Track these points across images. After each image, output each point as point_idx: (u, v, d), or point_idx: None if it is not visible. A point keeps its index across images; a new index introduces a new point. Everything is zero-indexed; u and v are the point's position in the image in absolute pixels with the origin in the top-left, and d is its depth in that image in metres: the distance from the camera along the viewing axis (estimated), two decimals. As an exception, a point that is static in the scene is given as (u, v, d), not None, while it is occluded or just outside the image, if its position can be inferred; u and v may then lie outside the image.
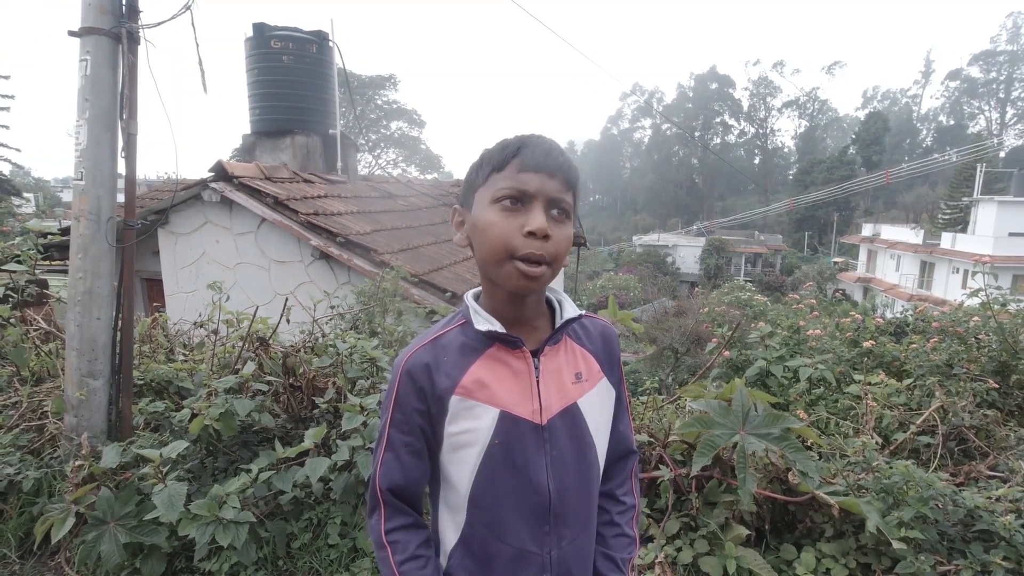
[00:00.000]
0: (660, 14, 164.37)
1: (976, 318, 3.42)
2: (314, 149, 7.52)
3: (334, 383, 2.79)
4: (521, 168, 0.94)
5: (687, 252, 40.91)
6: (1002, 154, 58.32)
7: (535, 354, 1.02)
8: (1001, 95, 67.52)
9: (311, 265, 5.69)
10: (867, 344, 3.57)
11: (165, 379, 2.84)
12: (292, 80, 7.36)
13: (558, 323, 1.05)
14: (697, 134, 72.85)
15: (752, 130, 76.73)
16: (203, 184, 5.81)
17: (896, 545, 1.95)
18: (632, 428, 1.22)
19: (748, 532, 2.31)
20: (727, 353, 3.75)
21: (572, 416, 1.04)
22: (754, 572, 2.19)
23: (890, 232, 34.46)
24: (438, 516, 1.09)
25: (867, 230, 37.39)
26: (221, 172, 5.80)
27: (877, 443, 2.84)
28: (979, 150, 39.69)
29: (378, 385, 2.84)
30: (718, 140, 76.13)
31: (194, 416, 2.45)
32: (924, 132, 72.75)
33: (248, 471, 2.27)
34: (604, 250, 46.55)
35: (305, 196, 6.09)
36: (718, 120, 75.59)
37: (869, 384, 3.12)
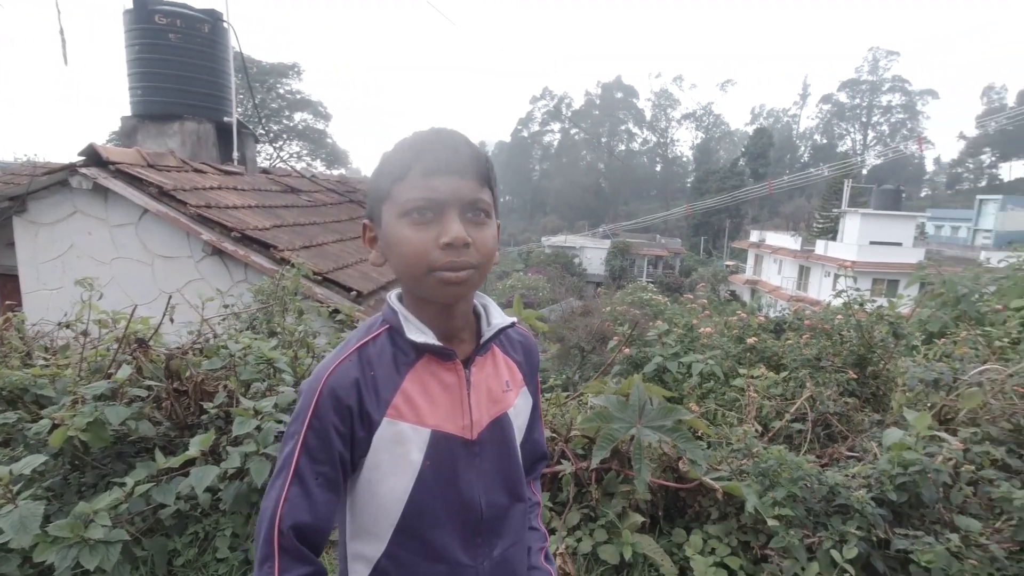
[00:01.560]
0: (571, 22, 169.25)
1: (839, 317, 3.82)
2: (206, 136, 7.00)
3: (225, 387, 2.61)
4: (426, 173, 0.86)
5: (593, 254, 42.39)
6: (864, 171, 65.59)
7: (465, 364, 0.97)
8: (864, 119, 76.05)
9: (202, 261, 5.30)
10: (750, 341, 3.88)
11: (19, 386, 2.52)
12: (181, 61, 6.80)
13: (484, 330, 1.00)
14: (604, 140, 75.87)
15: (654, 139, 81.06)
16: (71, 169, 5.22)
17: (771, 523, 2.14)
18: (544, 433, 1.19)
19: (643, 519, 2.43)
20: (627, 350, 3.92)
21: (501, 427, 1.00)
22: (648, 557, 2.31)
23: (773, 239, 37.65)
24: (345, 553, 0.98)
25: (754, 236, 40.62)
26: (94, 156, 5.24)
27: (757, 431, 3.09)
28: (846, 167, 44.40)
29: (276, 388, 2.69)
30: (623, 147, 79.72)
31: (55, 427, 2.19)
32: (802, 148, 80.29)
33: (122, 485, 2.07)
34: (513, 251, 47.21)
35: (196, 187, 5.66)
36: (623, 128, 79.14)
37: (752, 377, 3.38)
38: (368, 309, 5.05)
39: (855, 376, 3.40)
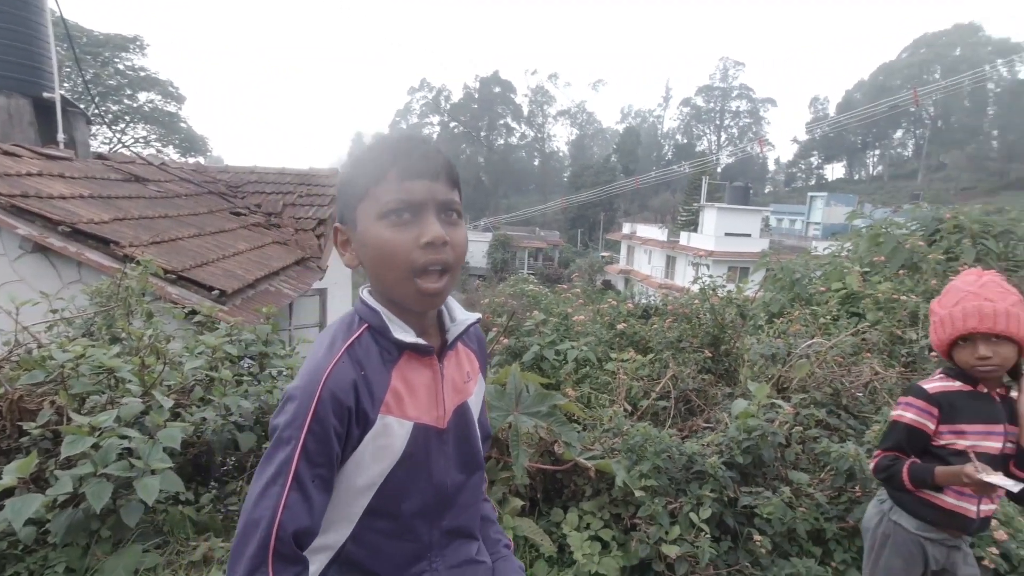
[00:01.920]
0: (448, 13, 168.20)
1: (696, 302, 4.19)
2: (19, 114, 6.01)
3: (52, 403, 2.28)
4: (403, 177, 0.91)
5: (475, 247, 42.73)
6: (719, 169, 72.36)
7: (438, 358, 1.02)
8: (718, 122, 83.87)
9: (20, 260, 4.57)
10: (620, 327, 4.12)
11: None
12: (-17, 24, 5.80)
13: (448, 325, 1.06)
14: (483, 134, 76.54)
15: (532, 134, 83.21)
16: None
17: (638, 494, 2.29)
18: (487, 414, 1.28)
19: (523, 503, 2.50)
20: (506, 340, 3.99)
21: (463, 415, 1.07)
22: (529, 538, 2.38)
23: (643, 231, 40.37)
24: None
25: (626, 229, 43.27)
26: None
27: (627, 410, 3.30)
28: (703, 165, 48.70)
29: (119, 400, 2.39)
30: (502, 141, 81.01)
31: None
32: (666, 147, 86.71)
33: (-87, 527, 1.73)
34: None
35: (7, 173, 4.86)
36: (502, 122, 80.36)
37: (621, 361, 3.59)
38: (233, 309, 4.67)
39: (710, 355, 3.74)
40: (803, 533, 2.50)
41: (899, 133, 77.60)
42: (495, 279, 29.31)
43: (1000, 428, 1.68)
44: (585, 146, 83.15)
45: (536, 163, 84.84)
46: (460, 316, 1.07)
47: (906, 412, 1.76)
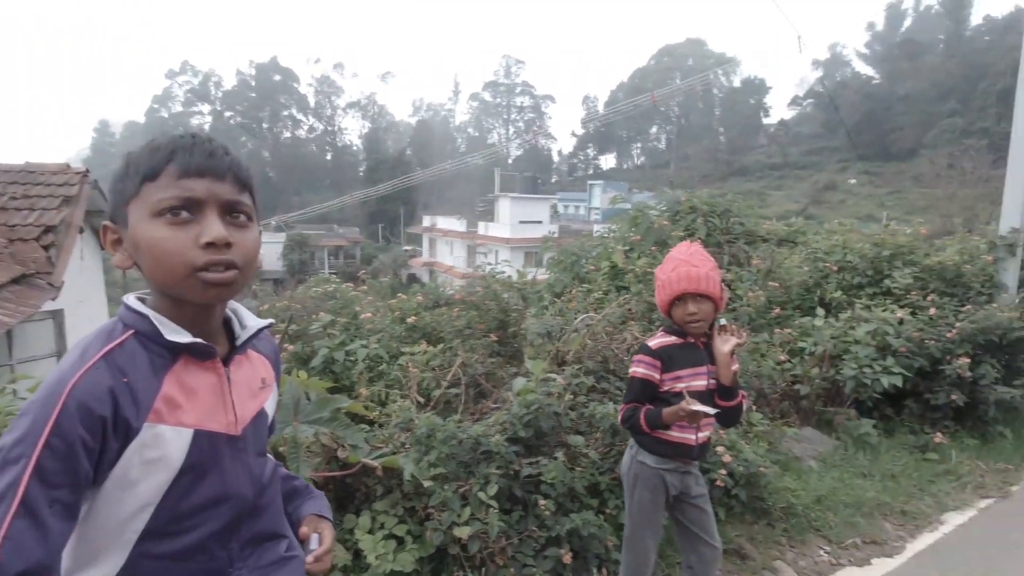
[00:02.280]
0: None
1: (480, 288, 4.38)
2: None
3: None
4: (181, 174, 0.85)
5: (268, 249, 39.34)
6: (510, 161, 76.68)
7: (224, 363, 0.97)
8: (505, 117, 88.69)
9: None
10: (411, 320, 4.13)
11: None
12: None
13: (238, 331, 1.01)
14: (265, 126, 70.31)
15: (321, 127, 78.92)
16: None
17: (427, 484, 2.32)
18: None
19: (311, 518, 2.36)
20: (291, 347, 3.73)
21: (260, 421, 1.04)
22: (320, 554, 2.25)
23: (443, 223, 41.05)
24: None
25: (426, 221, 43.58)
26: None
27: (420, 402, 3.32)
28: (495, 157, 51.14)
29: None
30: (289, 134, 75.45)
31: None
32: (460, 140, 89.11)
33: None
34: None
35: None
36: (286, 113, 74.76)
37: (412, 354, 3.60)
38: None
39: (496, 338, 3.94)
40: (582, 489, 2.78)
41: (654, 129, 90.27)
42: (293, 282, 27.37)
43: (704, 369, 2.09)
44: (379, 139, 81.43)
45: (328, 157, 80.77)
46: (250, 322, 1.03)
47: (638, 368, 2.09)
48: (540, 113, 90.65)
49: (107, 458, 0.83)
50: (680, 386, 2.03)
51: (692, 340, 2.10)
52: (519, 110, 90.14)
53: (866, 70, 77.64)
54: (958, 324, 4.75)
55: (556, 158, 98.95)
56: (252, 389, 1.03)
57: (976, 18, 69.91)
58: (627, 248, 6.24)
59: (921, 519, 3.74)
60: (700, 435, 2.11)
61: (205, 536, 0.92)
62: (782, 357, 4.80)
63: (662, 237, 6.34)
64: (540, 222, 36.10)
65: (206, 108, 73.88)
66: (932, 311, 4.96)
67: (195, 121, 75.32)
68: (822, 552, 3.34)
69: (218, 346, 0.97)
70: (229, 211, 0.89)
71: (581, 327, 3.66)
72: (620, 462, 2.88)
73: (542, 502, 2.55)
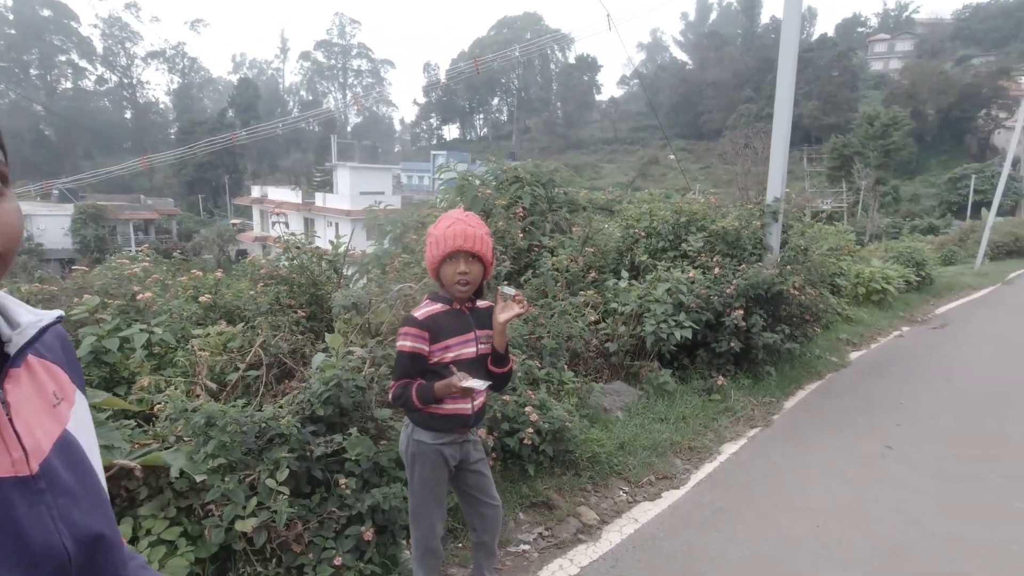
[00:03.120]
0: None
1: (285, 261, 4.06)
2: None
3: None
4: None
5: (51, 223, 33.25)
6: (349, 128, 72.76)
7: None
8: (341, 80, 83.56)
9: None
10: (204, 299, 3.69)
11: None
12: None
13: (7, 335, 0.73)
14: (34, 72, 58.27)
15: (115, 78, 67.61)
16: None
17: (200, 479, 2.08)
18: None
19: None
20: (46, 336, 3.13)
21: (68, 446, 0.76)
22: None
23: (276, 193, 37.90)
24: None
25: (256, 192, 39.91)
26: None
27: (213, 388, 2.99)
28: (331, 122, 48.11)
29: None
30: (69, 84, 63.42)
31: None
32: (291, 103, 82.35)
33: None
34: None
35: None
36: (64, 59, 62.63)
37: (203, 337, 3.22)
38: None
39: (305, 314, 3.68)
40: (388, 462, 2.71)
41: (496, 100, 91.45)
42: (86, 261, 23.50)
43: (472, 336, 2.07)
44: (193, 97, 72.13)
45: (128, 115, 69.69)
46: (27, 319, 0.75)
47: (405, 341, 2.00)
48: (379, 78, 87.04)
49: None
50: (450, 356, 2.00)
51: (458, 307, 2.06)
52: (356, 74, 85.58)
53: (682, 56, 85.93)
54: (735, 281, 5.47)
55: (398, 127, 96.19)
56: (43, 409, 0.76)
57: (765, 17, 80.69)
58: (455, 217, 6.21)
59: (704, 452, 4.28)
60: (476, 403, 2.11)
61: None
62: (593, 318, 5.15)
63: (488, 206, 6.42)
64: (382, 193, 34.90)
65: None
66: (716, 270, 5.65)
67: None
68: (622, 492, 3.67)
69: None
70: None
71: (395, 298, 3.56)
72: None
73: (342, 481, 2.44)
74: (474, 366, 2.02)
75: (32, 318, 0.77)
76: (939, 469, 4.12)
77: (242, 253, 33.70)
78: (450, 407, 2.04)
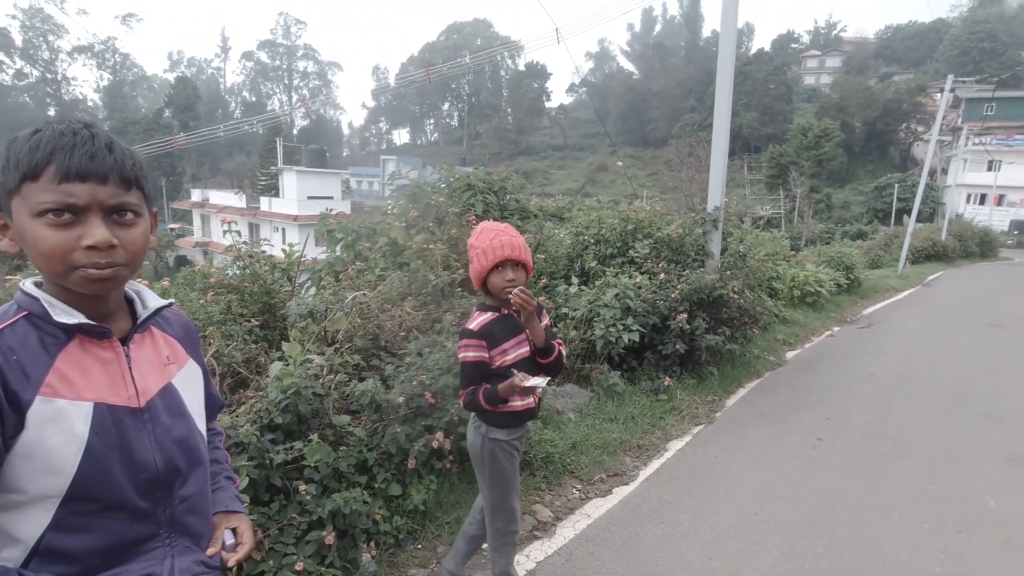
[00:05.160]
0: None
1: (236, 269, 4.01)
2: None
3: None
4: (61, 177, 0.87)
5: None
6: (295, 132, 70.92)
7: (123, 342, 1.02)
8: (286, 82, 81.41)
9: None
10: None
11: None
12: None
13: (140, 313, 1.07)
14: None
15: (37, 73, 63.61)
16: None
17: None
18: (216, 387, 1.37)
19: None
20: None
21: (170, 394, 1.08)
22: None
23: (218, 197, 36.58)
24: None
25: (196, 196, 38.40)
26: None
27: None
28: (276, 125, 46.82)
29: None
30: (-16, 78, 59.31)
31: None
32: (233, 104, 79.60)
33: None
34: None
35: None
36: (-23, 52, 58.65)
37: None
38: None
39: (259, 323, 3.67)
40: (348, 468, 2.76)
41: (447, 106, 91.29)
42: (5, 268, 22.02)
43: (523, 336, 2.22)
44: (126, 96, 68.69)
45: (52, 113, 65.72)
46: (152, 303, 1.09)
47: (467, 352, 2.14)
48: (327, 81, 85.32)
49: (7, 426, 0.88)
50: (509, 359, 2.15)
51: (506, 312, 2.20)
52: (302, 76, 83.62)
53: (628, 66, 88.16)
54: (679, 286, 5.75)
55: (347, 131, 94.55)
56: (156, 365, 1.08)
57: (707, 31, 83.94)
58: (405, 224, 6.26)
59: (652, 449, 4.49)
60: (537, 394, 2.30)
61: (125, 496, 0.96)
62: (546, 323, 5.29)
63: (441, 214, 6.49)
64: (331, 198, 34.21)
65: None
66: (662, 276, 5.91)
67: None
68: (575, 490, 3.82)
69: (118, 323, 1.03)
70: (114, 212, 0.91)
71: (350, 306, 3.59)
72: (385, 434, 2.95)
73: (302, 487, 2.47)
74: (532, 363, 2.20)
75: (156, 302, 1.11)
76: (861, 456, 4.47)
77: (182, 259, 32.38)
78: (520, 404, 2.21)
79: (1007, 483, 4.11)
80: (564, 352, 2.33)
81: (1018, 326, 10.17)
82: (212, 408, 1.30)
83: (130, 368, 1.02)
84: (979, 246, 25.77)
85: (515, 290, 2.06)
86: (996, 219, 36.76)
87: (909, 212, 17.84)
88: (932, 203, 38.33)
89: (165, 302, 1.12)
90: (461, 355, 2.17)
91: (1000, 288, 15.82)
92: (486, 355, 2.13)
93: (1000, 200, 39.91)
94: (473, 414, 2.30)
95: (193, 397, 1.16)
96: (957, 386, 6.42)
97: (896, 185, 36.82)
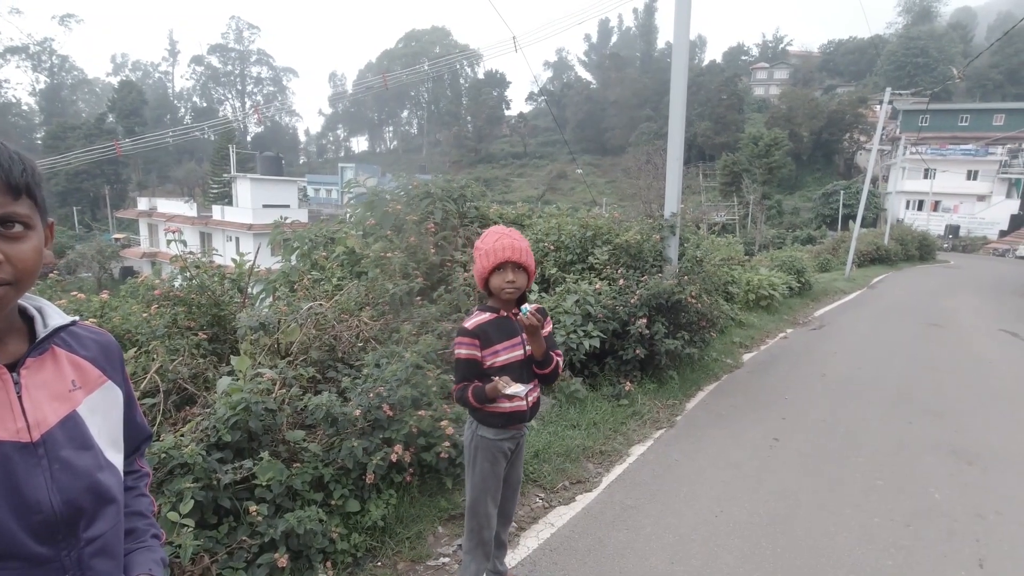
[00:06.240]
0: None
1: (180, 280, 3.84)
2: None
3: None
4: None
5: None
6: (249, 138, 69.10)
7: (12, 369, 0.90)
8: (239, 87, 79.38)
9: None
10: (89, 323, 3.41)
11: None
12: None
13: (40, 333, 0.94)
14: None
15: (-31, 76, 60.29)
16: None
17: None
18: (143, 416, 1.19)
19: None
20: None
21: (74, 424, 0.95)
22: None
23: (167, 206, 35.24)
24: None
25: (143, 204, 36.93)
26: None
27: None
28: (229, 132, 45.51)
29: None
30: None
31: None
32: (182, 110, 77.05)
33: None
34: None
35: None
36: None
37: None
38: None
39: (207, 336, 3.51)
40: (302, 485, 2.65)
41: (406, 113, 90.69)
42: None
43: (518, 340, 2.24)
44: (65, 100, 65.60)
45: (-13, 118, 62.30)
46: (54, 321, 0.96)
47: (460, 349, 2.18)
48: (282, 87, 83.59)
49: None
50: (500, 360, 2.17)
51: (504, 314, 2.22)
52: (256, 81, 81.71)
53: (586, 75, 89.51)
54: (638, 291, 5.81)
55: (303, 138, 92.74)
56: (57, 392, 0.95)
57: (661, 42, 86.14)
58: (362, 233, 6.14)
59: (614, 455, 4.50)
60: (531, 398, 2.29)
61: (18, 543, 0.85)
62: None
63: (399, 222, 6.40)
64: (287, 206, 33.42)
65: None
66: (621, 282, 5.97)
67: None
68: (538, 499, 3.79)
69: (8, 346, 0.91)
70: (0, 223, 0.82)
71: (305, 316, 3.47)
72: (342, 449, 2.85)
73: (253, 508, 2.36)
74: (524, 368, 2.22)
75: (57, 320, 0.97)
76: (813, 454, 4.60)
77: (128, 271, 31.02)
78: (508, 406, 2.22)
79: (949, 475, 4.30)
80: (561, 363, 2.38)
81: (956, 325, 10.72)
82: (135, 438, 1.15)
83: (19, 397, 0.89)
84: (918, 249, 27.15)
85: (530, 309, 2.10)
86: (933, 224, 38.84)
87: (855, 217, 18.63)
88: (875, 209, 40.20)
89: (67, 319, 0.99)
90: (456, 352, 2.24)
91: (939, 289, 16.67)
92: (478, 353, 2.19)
93: (936, 206, 42.28)
94: (469, 410, 2.36)
95: (105, 426, 1.02)
96: (902, 383, 6.70)
97: (842, 192, 38.49)
